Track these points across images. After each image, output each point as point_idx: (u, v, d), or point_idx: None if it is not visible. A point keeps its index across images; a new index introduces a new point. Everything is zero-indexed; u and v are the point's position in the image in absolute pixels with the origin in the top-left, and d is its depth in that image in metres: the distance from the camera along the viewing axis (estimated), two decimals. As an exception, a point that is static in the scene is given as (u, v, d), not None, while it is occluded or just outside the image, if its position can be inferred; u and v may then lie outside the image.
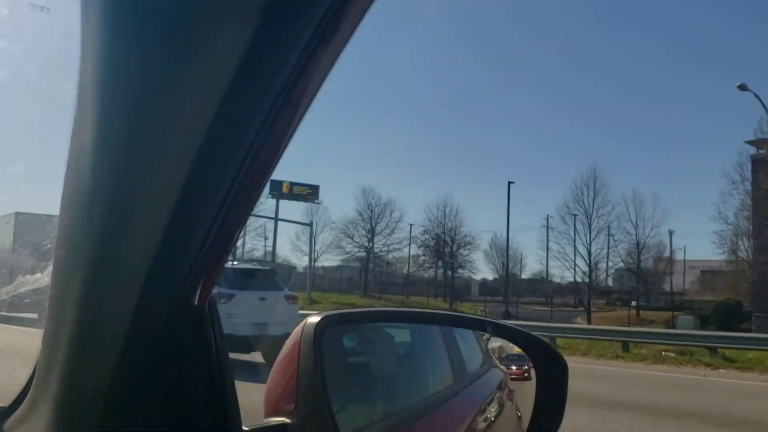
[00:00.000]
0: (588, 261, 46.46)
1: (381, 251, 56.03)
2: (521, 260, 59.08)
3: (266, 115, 0.72)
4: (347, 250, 55.52)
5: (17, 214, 17.55)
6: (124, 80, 0.74)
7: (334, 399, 1.10)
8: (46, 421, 1.01)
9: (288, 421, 1.07)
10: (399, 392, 1.58)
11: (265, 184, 0.85)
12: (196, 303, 0.93)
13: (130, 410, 0.94)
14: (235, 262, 13.21)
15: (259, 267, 13.46)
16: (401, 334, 1.66)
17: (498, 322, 1.83)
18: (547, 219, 51.63)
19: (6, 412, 1.19)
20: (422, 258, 56.90)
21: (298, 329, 1.12)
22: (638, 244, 46.62)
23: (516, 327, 1.73)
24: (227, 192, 0.78)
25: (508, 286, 52.12)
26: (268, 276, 12.19)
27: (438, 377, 1.78)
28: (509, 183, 47.51)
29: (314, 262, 50.33)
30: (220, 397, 0.98)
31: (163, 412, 0.95)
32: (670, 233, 49.22)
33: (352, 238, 54.75)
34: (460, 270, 56.59)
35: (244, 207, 0.84)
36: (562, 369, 1.52)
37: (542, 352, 1.58)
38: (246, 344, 9.64)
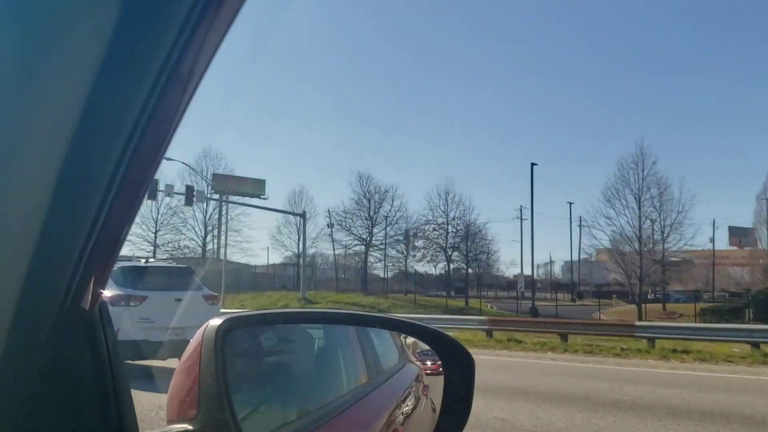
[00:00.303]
0: (639, 248, 38.30)
1: (382, 244, 49.73)
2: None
3: (147, 95, 0.67)
4: (344, 243, 49.94)
5: None
6: None
7: (244, 402, 1.08)
8: None
9: (189, 427, 1.03)
10: (313, 392, 1.55)
11: (155, 172, 0.78)
12: (86, 308, 0.87)
13: (19, 427, 0.87)
14: (150, 260, 12.32)
15: (174, 265, 12.34)
16: (318, 334, 1.63)
17: (396, 318, 1.77)
18: (521, 209, 49.65)
19: None
20: (422, 251, 50.56)
21: (199, 332, 1.07)
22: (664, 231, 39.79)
23: (417, 323, 1.65)
24: (108, 185, 0.72)
25: (534, 283, 46.15)
26: (184, 274, 11.23)
27: (352, 375, 1.76)
28: (532, 165, 42.61)
29: (305, 257, 45.01)
30: (114, 407, 0.93)
31: (55, 427, 0.89)
32: (714, 223, 47.13)
33: (349, 230, 49.09)
34: (475, 263, 50.42)
35: (131, 200, 0.78)
36: (469, 366, 1.49)
37: (448, 348, 1.54)
38: (161, 350, 9.14)
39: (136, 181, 0.75)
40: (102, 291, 0.89)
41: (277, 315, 1.49)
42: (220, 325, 1.06)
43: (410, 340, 2.09)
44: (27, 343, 0.83)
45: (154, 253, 47.44)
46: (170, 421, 1.07)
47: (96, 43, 0.63)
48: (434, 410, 1.87)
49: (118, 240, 0.83)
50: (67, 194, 0.72)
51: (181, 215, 49.61)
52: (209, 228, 50.97)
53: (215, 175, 47.74)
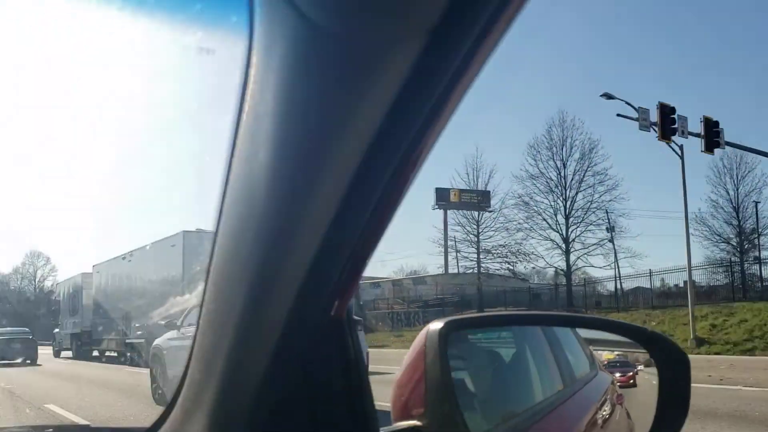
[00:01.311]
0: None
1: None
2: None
3: (420, 127, 0.78)
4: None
5: (185, 233, 19.26)
6: (297, 107, 0.81)
7: (463, 399, 1.18)
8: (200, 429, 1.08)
9: (418, 423, 1.13)
10: (514, 397, 1.62)
11: (411, 184, 0.87)
12: (339, 313, 0.99)
13: (280, 417, 1.01)
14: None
15: None
16: (519, 337, 1.71)
17: (607, 319, 1.84)
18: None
19: (152, 428, 1.25)
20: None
21: (422, 335, 1.19)
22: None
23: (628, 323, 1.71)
24: (373, 209, 0.84)
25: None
26: None
27: (547, 382, 1.80)
28: None
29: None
30: (359, 404, 1.03)
31: (309, 418, 1.02)
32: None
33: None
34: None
35: (385, 220, 0.88)
36: (683, 364, 1.49)
37: (661, 346, 1.55)
38: None
39: (389, 206, 0.87)
40: (351, 300, 1.01)
41: (491, 318, 1.61)
42: (441, 328, 1.17)
43: (595, 353, 2.09)
44: (294, 342, 0.96)
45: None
46: (396, 419, 1.17)
47: (389, 87, 0.74)
48: (630, 423, 1.89)
49: (368, 258, 0.93)
50: (340, 223, 0.84)
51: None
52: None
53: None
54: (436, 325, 1.18)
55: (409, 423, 1.14)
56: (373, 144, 0.78)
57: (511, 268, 43.48)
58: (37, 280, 74.25)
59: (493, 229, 42.22)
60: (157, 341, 11.78)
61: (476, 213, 42.12)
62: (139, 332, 19.54)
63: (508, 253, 41.97)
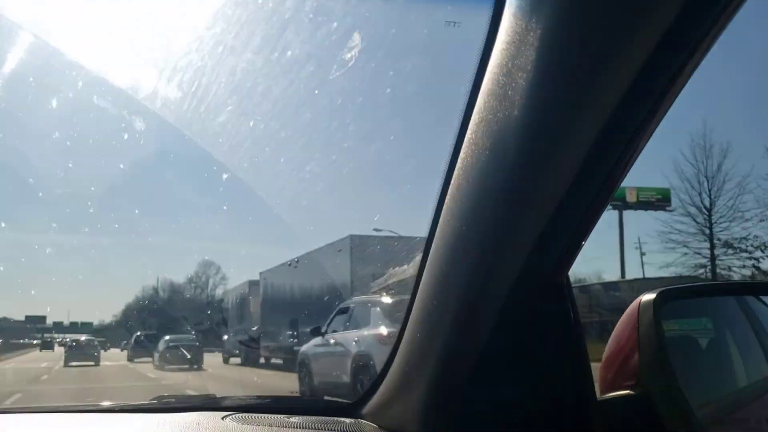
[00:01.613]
0: None
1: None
2: None
3: (643, 120, 0.83)
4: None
5: (351, 237, 19.64)
6: (536, 87, 0.86)
7: (679, 369, 1.15)
8: (415, 405, 1.18)
9: (632, 392, 1.12)
10: (740, 368, 1.58)
11: (619, 184, 0.94)
12: (559, 280, 1.04)
13: (501, 382, 1.07)
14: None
15: None
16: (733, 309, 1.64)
17: None
18: None
19: (357, 404, 1.41)
20: None
21: (633, 307, 1.17)
22: None
23: None
24: (596, 192, 0.91)
25: None
26: None
27: (752, 367, 1.69)
28: None
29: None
30: (578, 368, 1.08)
31: (531, 382, 1.08)
32: None
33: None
34: None
35: (601, 204, 0.95)
36: None
37: None
38: None
39: (608, 191, 0.93)
40: (569, 268, 1.05)
41: (710, 287, 1.55)
42: (655, 298, 1.16)
43: None
44: (515, 310, 1.02)
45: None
46: (604, 390, 1.16)
47: (627, 70, 0.78)
48: None
49: (587, 232, 0.99)
50: (567, 203, 0.90)
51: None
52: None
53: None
54: (649, 296, 1.17)
55: (621, 393, 1.14)
56: (602, 130, 0.83)
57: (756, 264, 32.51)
58: (209, 288, 78.04)
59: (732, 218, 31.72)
60: (303, 348, 11.83)
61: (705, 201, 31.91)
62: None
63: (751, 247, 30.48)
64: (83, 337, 34.05)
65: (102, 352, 33.50)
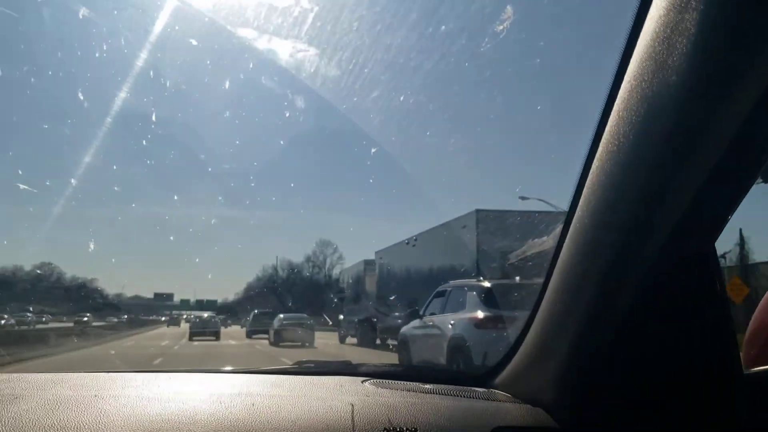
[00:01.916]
0: None
1: None
2: None
3: None
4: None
5: (478, 211, 19.51)
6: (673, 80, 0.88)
7: None
8: (552, 374, 1.24)
9: None
10: None
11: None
12: (704, 250, 1.06)
13: (644, 350, 1.11)
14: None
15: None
16: None
17: None
18: None
19: (489, 374, 1.48)
20: None
21: None
22: None
23: None
24: (747, 163, 0.94)
25: None
26: None
27: None
28: None
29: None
30: (724, 339, 1.08)
31: (675, 350, 1.10)
32: None
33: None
34: None
35: (753, 175, 0.97)
36: None
37: None
38: None
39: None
40: (717, 235, 1.05)
41: None
42: None
43: None
44: (660, 278, 1.04)
45: None
46: (748, 365, 1.18)
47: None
48: None
49: (733, 207, 0.99)
50: (728, 157, 0.90)
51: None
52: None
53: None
54: None
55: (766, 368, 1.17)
56: (764, 96, 0.82)
57: None
58: (326, 267, 77.51)
59: None
60: (403, 329, 11.84)
61: None
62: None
63: None
64: (205, 314, 37.36)
65: (222, 328, 36.79)
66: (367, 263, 28.84)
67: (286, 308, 34.96)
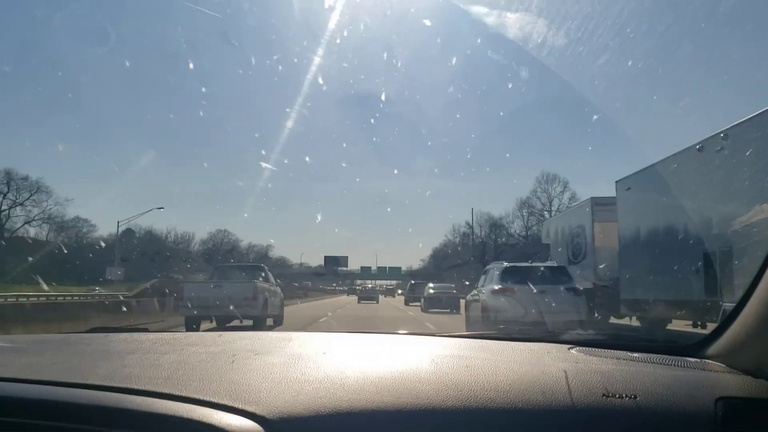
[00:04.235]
0: None
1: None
2: None
3: None
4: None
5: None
6: None
7: None
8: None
9: None
10: None
11: None
12: None
13: None
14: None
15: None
16: None
17: None
18: None
19: (701, 344, 1.45)
20: None
21: None
22: None
23: None
24: None
25: None
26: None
27: None
28: None
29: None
30: None
31: None
32: None
33: None
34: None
35: None
36: None
37: None
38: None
39: None
40: None
41: None
42: None
43: None
44: None
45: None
46: None
47: None
48: None
49: None
50: None
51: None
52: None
53: None
54: None
55: None
56: None
57: None
58: (551, 209, 66.21)
59: None
60: (467, 296, 15.04)
61: None
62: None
63: None
64: (369, 285, 56.28)
65: (391, 298, 53.55)
66: (597, 203, 17.64)
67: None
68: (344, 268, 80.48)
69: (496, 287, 11.94)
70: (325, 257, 78.04)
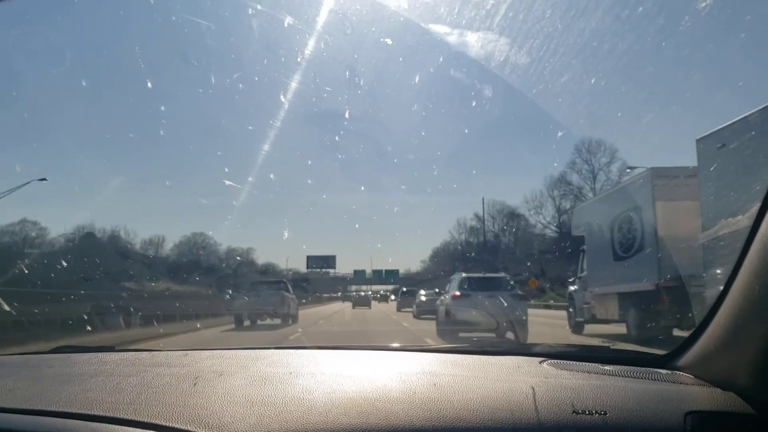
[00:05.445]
0: None
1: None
2: None
3: None
4: None
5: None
6: None
7: None
8: (749, 357, 1.19)
9: None
10: None
11: None
12: None
13: None
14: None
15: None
16: None
17: None
18: None
19: (671, 356, 1.45)
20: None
21: None
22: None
23: None
24: None
25: None
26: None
27: None
28: None
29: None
30: None
31: None
32: None
33: None
34: None
35: None
36: None
37: None
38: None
39: None
40: None
41: None
42: None
43: None
44: None
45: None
46: None
47: None
48: None
49: None
50: None
51: None
52: None
53: None
54: None
55: None
56: None
57: None
58: (595, 184, 50.43)
59: None
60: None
61: None
62: None
63: None
64: (362, 293, 54.47)
65: (385, 303, 51.71)
66: (659, 175, 12.96)
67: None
68: (332, 270, 77.81)
69: (456, 293, 14.81)
70: (308, 257, 74.59)
